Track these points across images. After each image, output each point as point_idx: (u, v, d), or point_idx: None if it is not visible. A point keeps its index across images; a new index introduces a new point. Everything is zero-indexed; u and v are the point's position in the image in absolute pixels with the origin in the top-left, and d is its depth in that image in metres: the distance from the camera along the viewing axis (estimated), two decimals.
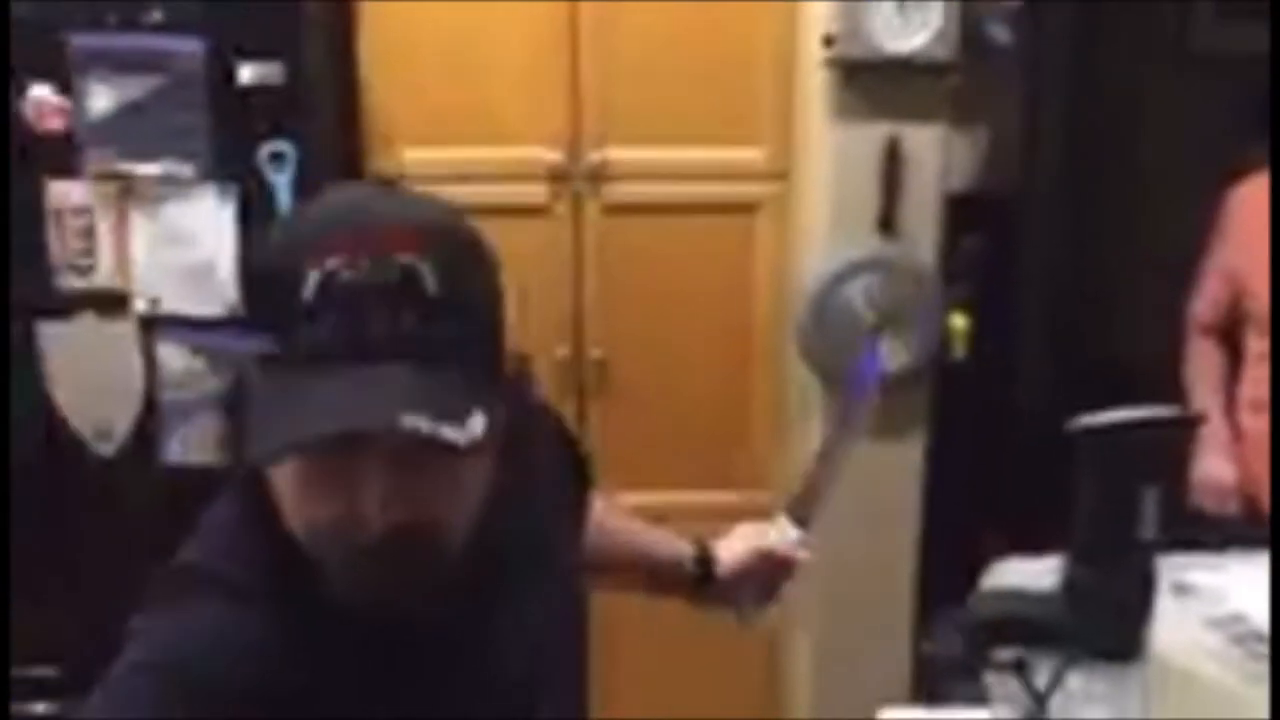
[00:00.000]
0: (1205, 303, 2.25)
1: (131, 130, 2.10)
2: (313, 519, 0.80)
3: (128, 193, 2.13)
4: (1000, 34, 2.33)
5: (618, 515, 1.34)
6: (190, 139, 2.12)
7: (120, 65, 2.08)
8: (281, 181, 2.16)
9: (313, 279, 0.77)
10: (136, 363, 2.19)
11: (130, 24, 2.07)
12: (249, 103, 2.12)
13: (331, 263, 0.77)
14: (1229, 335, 2.22)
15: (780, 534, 1.38)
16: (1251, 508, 2.12)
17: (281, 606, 0.84)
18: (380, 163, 2.37)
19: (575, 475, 1.18)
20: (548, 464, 1.10)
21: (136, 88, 2.10)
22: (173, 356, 2.20)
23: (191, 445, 2.23)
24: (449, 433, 0.75)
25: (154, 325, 2.19)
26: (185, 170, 2.13)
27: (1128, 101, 3.04)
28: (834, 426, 1.50)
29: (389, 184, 0.94)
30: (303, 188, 2.16)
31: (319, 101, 2.20)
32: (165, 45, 2.09)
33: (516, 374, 0.89)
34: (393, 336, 0.77)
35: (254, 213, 2.16)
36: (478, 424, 0.76)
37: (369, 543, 0.79)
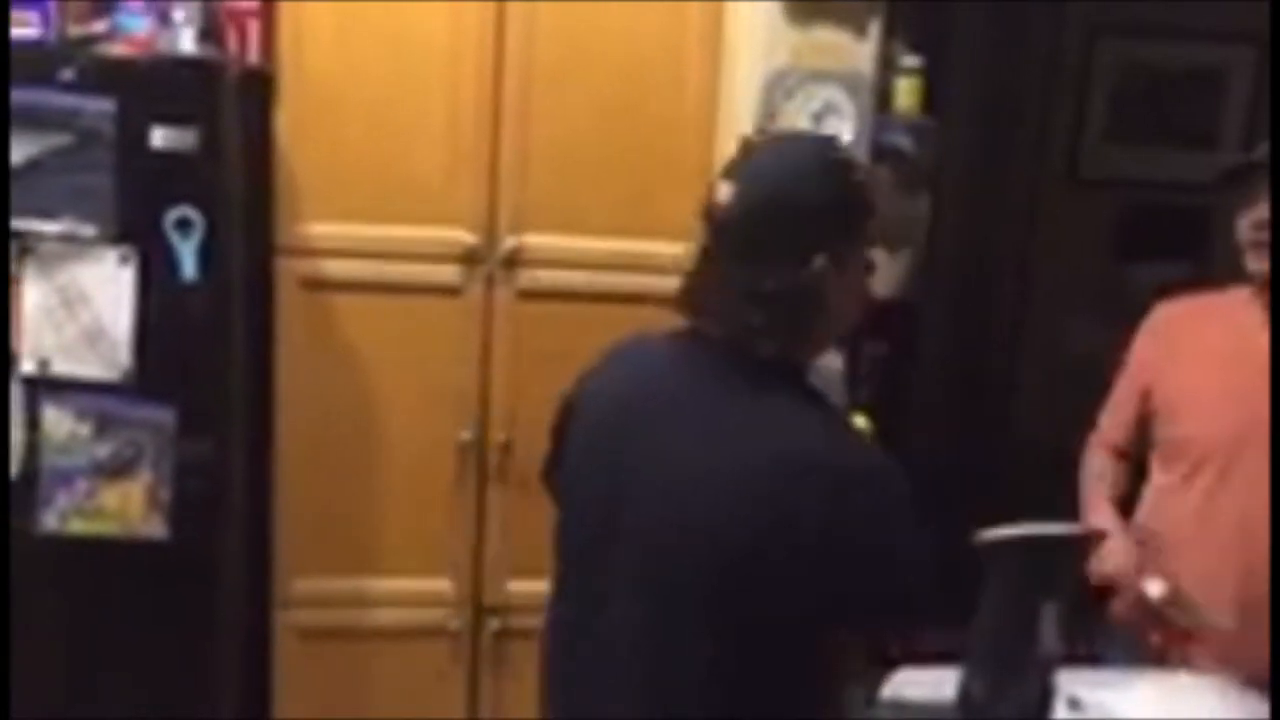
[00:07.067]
0: (1115, 425, 2.08)
1: (33, 187, 2.03)
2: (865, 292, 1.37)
3: (24, 250, 2.06)
4: (907, 146, 2.41)
5: None
6: (94, 199, 2.06)
7: (27, 121, 2.02)
8: (186, 249, 2.11)
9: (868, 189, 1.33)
10: (18, 425, 2.10)
11: (42, 80, 2.01)
12: (159, 167, 2.07)
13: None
14: (1134, 459, 2.06)
15: None
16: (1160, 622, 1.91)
17: None
18: (291, 235, 2.33)
19: None
20: None
21: (39, 144, 2.04)
22: (58, 421, 2.12)
23: (69, 515, 2.13)
24: None
25: (39, 387, 2.10)
26: (86, 230, 2.06)
27: (1021, 218, 3.19)
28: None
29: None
30: (208, 256, 2.11)
31: (232, 170, 2.16)
32: (74, 103, 2.03)
33: None
34: None
35: (154, 279, 2.10)
36: None
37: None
